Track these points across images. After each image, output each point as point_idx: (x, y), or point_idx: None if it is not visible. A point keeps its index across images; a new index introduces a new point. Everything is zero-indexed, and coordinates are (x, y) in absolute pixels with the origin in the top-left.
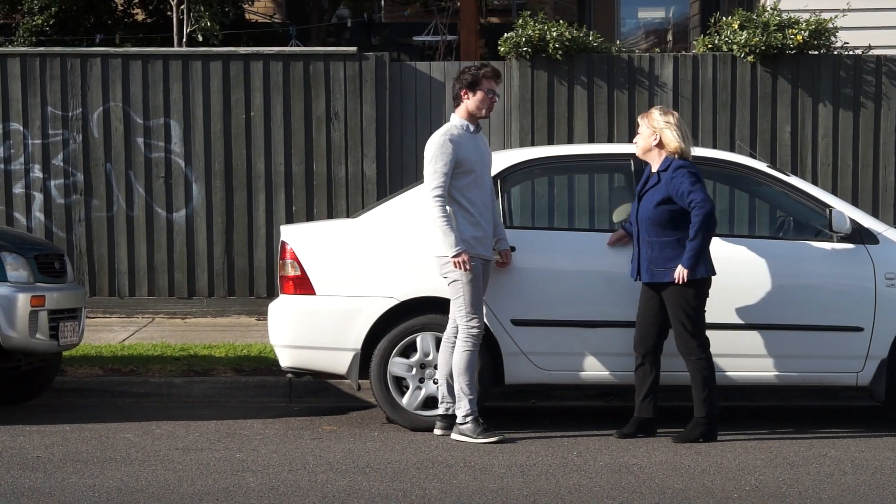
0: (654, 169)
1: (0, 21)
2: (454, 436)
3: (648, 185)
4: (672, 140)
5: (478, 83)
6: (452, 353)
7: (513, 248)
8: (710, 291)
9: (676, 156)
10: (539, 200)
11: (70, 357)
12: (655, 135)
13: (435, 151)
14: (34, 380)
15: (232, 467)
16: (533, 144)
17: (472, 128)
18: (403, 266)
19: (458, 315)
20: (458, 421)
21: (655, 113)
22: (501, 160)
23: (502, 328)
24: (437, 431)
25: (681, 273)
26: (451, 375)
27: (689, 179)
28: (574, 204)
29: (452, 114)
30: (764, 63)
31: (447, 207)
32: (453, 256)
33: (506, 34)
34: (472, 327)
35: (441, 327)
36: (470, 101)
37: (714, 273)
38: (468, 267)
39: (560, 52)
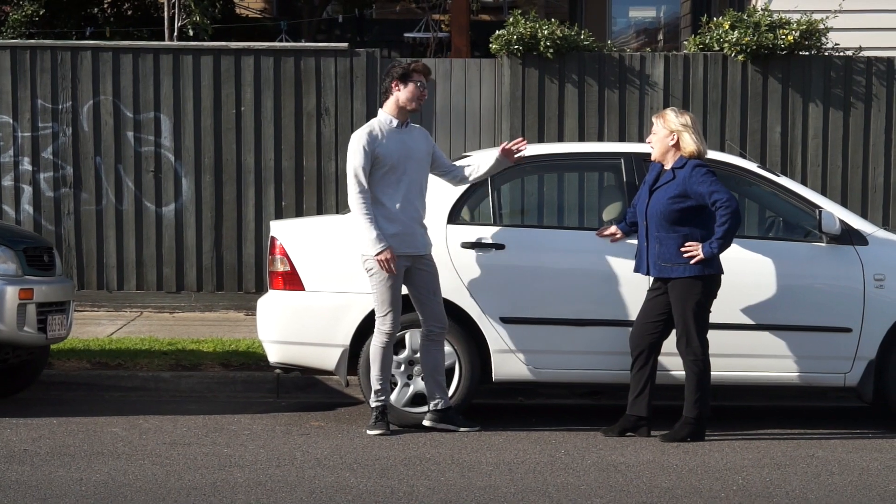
0: (669, 166)
1: None
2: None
3: (661, 181)
4: (690, 143)
5: (409, 76)
6: (431, 350)
7: (502, 246)
8: None
9: (692, 156)
10: (529, 198)
11: (58, 350)
12: (673, 136)
13: (352, 149)
14: (21, 373)
15: (219, 462)
16: None
17: (395, 122)
18: None
19: (376, 310)
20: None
21: (671, 114)
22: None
23: (491, 325)
24: (425, 422)
25: (698, 254)
26: (435, 371)
27: (709, 178)
28: (564, 202)
29: (380, 109)
30: (755, 63)
31: (368, 204)
32: (375, 255)
33: (497, 32)
34: (383, 324)
35: None
36: (401, 94)
37: (722, 272)
38: (391, 267)
39: (551, 50)
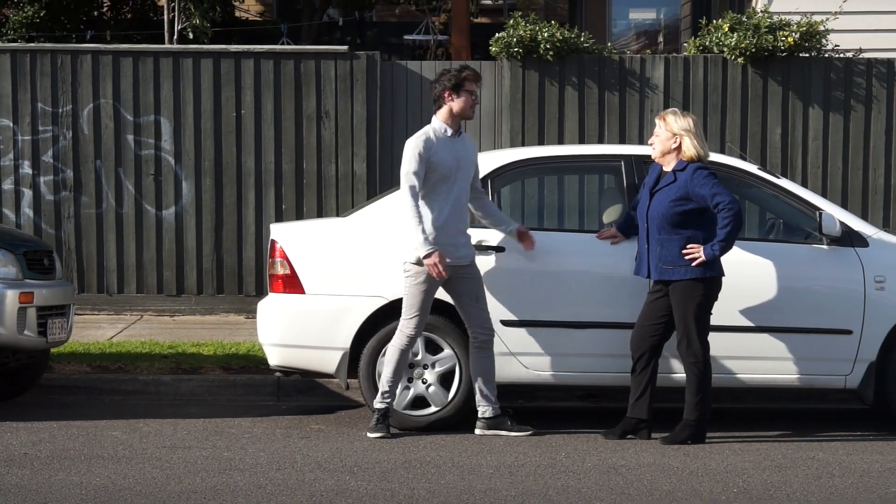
0: (669, 168)
1: None
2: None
3: (662, 183)
4: (691, 148)
5: (461, 85)
6: (479, 358)
7: (502, 249)
8: None
9: (692, 161)
10: (529, 201)
11: (58, 354)
12: (675, 139)
13: (408, 155)
14: (22, 376)
15: (220, 466)
16: (523, 145)
17: (449, 131)
18: (393, 265)
19: (403, 312)
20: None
21: (672, 117)
22: (492, 160)
23: None
24: (477, 431)
25: (699, 256)
26: (484, 379)
27: (711, 181)
28: (564, 204)
29: (433, 116)
30: (755, 65)
31: (420, 209)
32: (425, 257)
33: (497, 34)
34: (408, 327)
35: (431, 327)
36: (455, 104)
37: (723, 274)
38: (441, 270)
39: (551, 52)
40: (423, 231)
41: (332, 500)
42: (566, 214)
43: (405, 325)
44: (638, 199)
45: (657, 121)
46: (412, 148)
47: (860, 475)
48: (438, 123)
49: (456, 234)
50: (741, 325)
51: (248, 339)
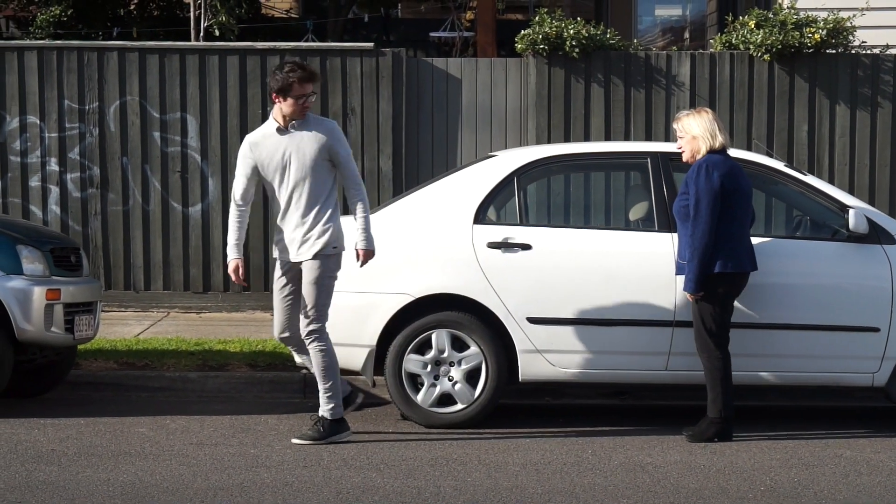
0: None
1: (17, 14)
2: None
3: None
4: (703, 150)
5: (288, 90)
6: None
7: (529, 247)
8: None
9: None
10: (555, 198)
11: (85, 351)
12: (696, 141)
13: (238, 155)
14: (49, 373)
15: (246, 463)
16: (549, 142)
17: (278, 127)
18: (419, 263)
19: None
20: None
21: (686, 120)
22: (518, 157)
23: (517, 326)
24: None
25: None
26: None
27: (703, 180)
28: (590, 202)
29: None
30: (781, 62)
31: (238, 211)
32: (228, 262)
33: (523, 31)
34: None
35: (457, 324)
36: (283, 106)
37: (746, 269)
38: (237, 276)
39: (577, 49)
40: (233, 236)
41: (359, 497)
42: (593, 212)
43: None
44: None
45: (674, 125)
46: (241, 148)
47: (888, 473)
48: (270, 119)
49: (294, 229)
50: (767, 322)
51: None
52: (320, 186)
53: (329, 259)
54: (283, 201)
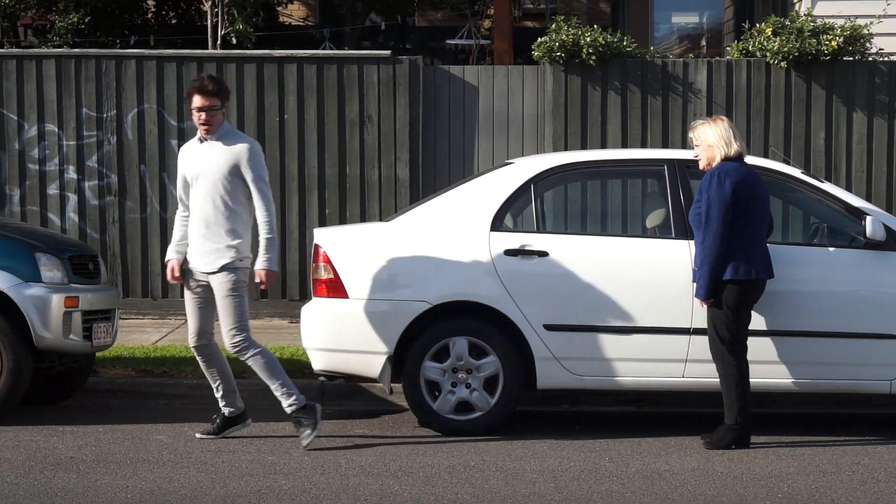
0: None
1: (35, 23)
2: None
3: None
4: (718, 158)
5: (189, 101)
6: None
7: (545, 254)
8: None
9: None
10: (572, 205)
11: (103, 358)
12: (711, 149)
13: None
14: (67, 380)
15: (264, 470)
16: (566, 149)
17: (199, 137)
18: (436, 270)
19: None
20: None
21: (701, 129)
22: (535, 165)
23: (534, 333)
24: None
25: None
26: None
27: (715, 188)
28: (607, 209)
29: None
30: (798, 69)
31: (179, 214)
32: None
33: (540, 39)
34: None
35: (475, 331)
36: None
37: (759, 276)
38: (172, 275)
39: (594, 57)
40: (174, 238)
41: None
42: (609, 219)
43: None
44: None
45: (690, 135)
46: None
47: None
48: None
49: (200, 240)
50: (785, 329)
51: (292, 343)
52: (231, 200)
53: (238, 271)
54: (192, 210)
